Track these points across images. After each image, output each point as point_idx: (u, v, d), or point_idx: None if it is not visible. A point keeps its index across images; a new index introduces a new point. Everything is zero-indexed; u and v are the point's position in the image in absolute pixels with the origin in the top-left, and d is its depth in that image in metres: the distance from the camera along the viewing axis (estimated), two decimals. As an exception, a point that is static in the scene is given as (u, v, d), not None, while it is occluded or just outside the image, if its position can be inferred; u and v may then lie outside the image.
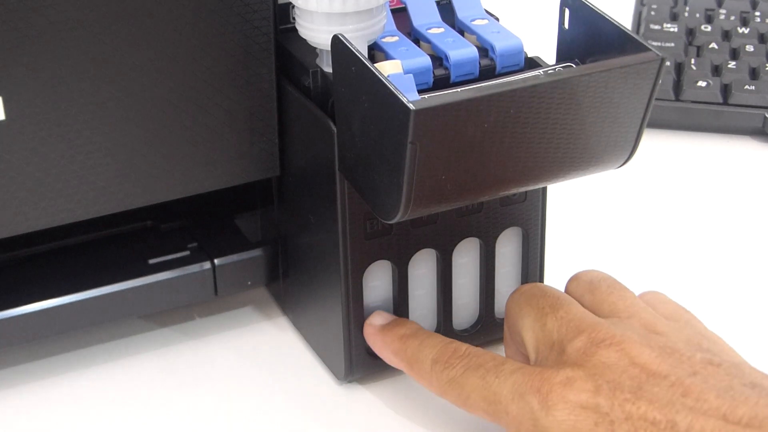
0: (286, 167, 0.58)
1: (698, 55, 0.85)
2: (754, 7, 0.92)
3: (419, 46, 0.55)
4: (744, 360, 0.50)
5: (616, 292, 0.53)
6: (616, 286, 0.53)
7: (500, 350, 0.59)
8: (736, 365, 0.48)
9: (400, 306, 0.57)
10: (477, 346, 0.53)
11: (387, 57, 0.53)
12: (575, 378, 0.48)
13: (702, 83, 0.81)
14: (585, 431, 0.46)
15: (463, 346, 0.53)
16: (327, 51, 0.53)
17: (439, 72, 0.53)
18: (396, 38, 0.54)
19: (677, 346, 0.49)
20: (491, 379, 0.50)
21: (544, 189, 0.57)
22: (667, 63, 0.82)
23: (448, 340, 0.54)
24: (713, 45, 0.86)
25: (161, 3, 0.52)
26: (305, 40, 0.53)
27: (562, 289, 0.54)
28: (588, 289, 0.53)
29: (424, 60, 0.53)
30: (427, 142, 0.46)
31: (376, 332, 0.56)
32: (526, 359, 0.53)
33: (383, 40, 0.54)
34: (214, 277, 0.60)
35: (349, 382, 0.58)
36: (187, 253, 0.61)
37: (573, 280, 0.55)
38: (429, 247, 0.56)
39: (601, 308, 0.52)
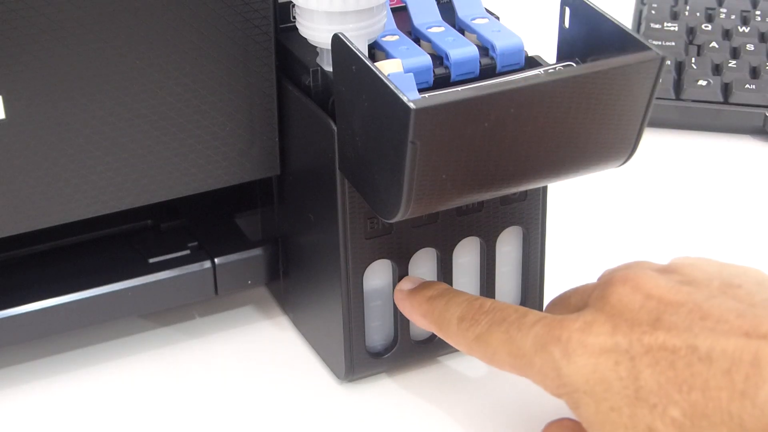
0: (286, 166, 0.58)
1: (699, 54, 0.85)
2: (755, 6, 0.92)
3: (419, 45, 0.54)
4: None
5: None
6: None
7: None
8: (758, 283, 0.47)
9: (400, 305, 0.57)
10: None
11: (387, 56, 0.53)
12: (593, 321, 0.47)
13: (702, 82, 0.81)
14: (606, 372, 0.46)
15: (488, 302, 0.52)
16: (327, 50, 0.53)
17: (440, 71, 0.53)
18: (396, 37, 0.54)
19: (693, 277, 0.48)
20: (514, 333, 0.49)
21: (545, 188, 0.57)
22: (668, 62, 0.82)
23: (474, 296, 0.53)
24: (714, 44, 0.86)
25: (161, 2, 0.52)
26: (305, 39, 0.53)
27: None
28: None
29: (425, 59, 0.53)
30: (428, 141, 0.46)
31: (405, 297, 0.55)
32: None
33: (383, 39, 0.54)
34: (215, 276, 0.60)
35: (350, 381, 0.58)
36: (187, 252, 0.61)
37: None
38: (429, 247, 0.56)
39: None
